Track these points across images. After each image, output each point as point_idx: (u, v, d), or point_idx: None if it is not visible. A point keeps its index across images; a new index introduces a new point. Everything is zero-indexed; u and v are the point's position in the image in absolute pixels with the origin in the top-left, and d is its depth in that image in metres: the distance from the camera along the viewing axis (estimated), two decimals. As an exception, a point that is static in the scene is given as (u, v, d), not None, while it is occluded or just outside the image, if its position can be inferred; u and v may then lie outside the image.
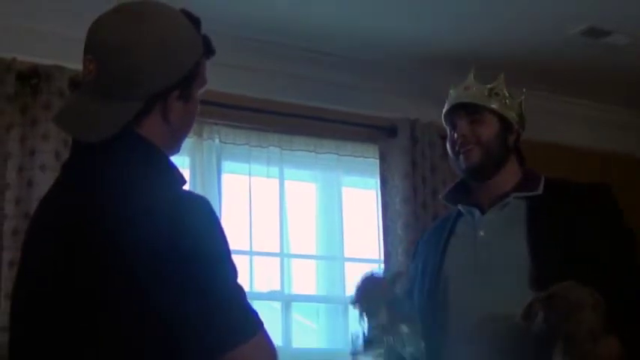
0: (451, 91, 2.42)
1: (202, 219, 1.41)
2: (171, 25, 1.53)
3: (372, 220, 4.12)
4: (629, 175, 4.74)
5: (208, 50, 1.59)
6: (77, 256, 1.40)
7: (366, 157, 4.09)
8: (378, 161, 4.08)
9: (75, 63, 3.46)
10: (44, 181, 3.22)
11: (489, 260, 2.27)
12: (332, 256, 4.02)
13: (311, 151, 3.99)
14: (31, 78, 3.33)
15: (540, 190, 2.31)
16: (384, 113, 4.16)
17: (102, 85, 1.48)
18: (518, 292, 2.11)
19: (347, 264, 4.01)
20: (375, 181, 4.11)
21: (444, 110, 2.41)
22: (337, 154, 4.06)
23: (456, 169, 2.40)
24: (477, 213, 2.35)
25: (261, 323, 1.41)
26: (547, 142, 4.49)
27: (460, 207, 2.40)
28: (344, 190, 4.13)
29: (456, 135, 2.35)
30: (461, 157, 2.33)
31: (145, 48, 1.47)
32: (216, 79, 4.17)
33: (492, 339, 2.18)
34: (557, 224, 2.23)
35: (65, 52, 3.44)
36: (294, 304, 3.91)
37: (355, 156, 4.10)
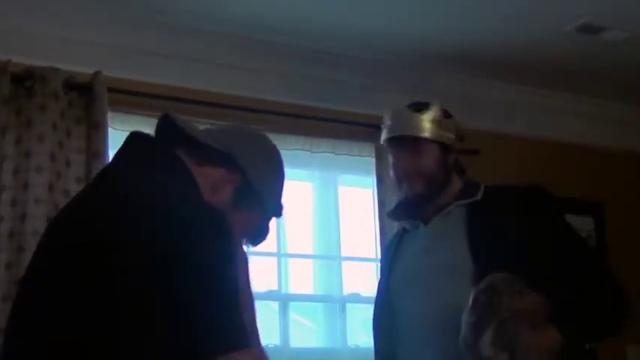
0: (387, 120, 2.51)
1: (218, 232, 1.44)
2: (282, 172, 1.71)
3: (368, 218, 4.11)
4: (628, 172, 4.74)
5: (277, 211, 1.69)
6: (84, 248, 1.41)
7: (362, 156, 4.08)
8: (374, 160, 4.06)
9: (69, 65, 3.48)
10: (40, 183, 3.21)
11: (432, 265, 2.37)
12: (329, 255, 4.02)
13: (307, 150, 3.97)
14: (26, 80, 3.31)
15: (479, 197, 2.42)
16: (380, 111, 4.14)
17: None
18: (461, 294, 2.18)
19: (344, 263, 4.00)
20: (372, 180, 4.09)
21: (383, 138, 2.50)
22: (333, 152, 4.04)
23: (401, 194, 2.48)
24: (422, 225, 2.45)
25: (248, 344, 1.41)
26: (544, 138, 4.49)
27: (404, 223, 2.50)
28: (340, 188, 4.12)
29: (397, 165, 2.45)
30: (404, 184, 2.43)
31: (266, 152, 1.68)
32: (211, 79, 4.17)
33: (440, 350, 2.25)
34: (496, 225, 2.33)
35: (60, 54, 3.44)
36: (291, 303, 3.90)
37: (351, 155, 4.09)
